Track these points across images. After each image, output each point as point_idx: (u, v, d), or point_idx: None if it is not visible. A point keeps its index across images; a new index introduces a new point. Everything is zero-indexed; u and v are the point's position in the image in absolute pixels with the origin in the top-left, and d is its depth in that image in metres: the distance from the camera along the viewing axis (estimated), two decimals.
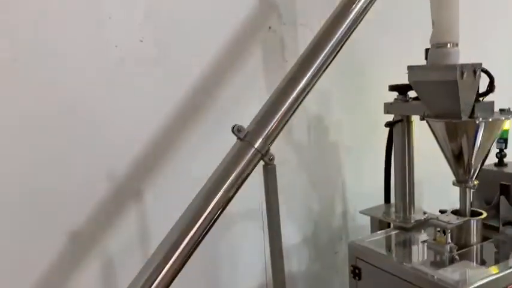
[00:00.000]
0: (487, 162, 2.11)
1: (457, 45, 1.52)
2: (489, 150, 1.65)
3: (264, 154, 1.22)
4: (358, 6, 1.36)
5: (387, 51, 2.26)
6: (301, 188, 2.16)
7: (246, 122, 1.94)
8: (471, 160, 1.63)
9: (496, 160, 2.08)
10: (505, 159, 2.09)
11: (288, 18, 2.02)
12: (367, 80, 2.25)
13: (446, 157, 1.68)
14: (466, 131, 1.58)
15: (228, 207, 1.22)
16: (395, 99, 1.83)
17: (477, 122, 1.52)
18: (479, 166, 1.66)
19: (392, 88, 1.81)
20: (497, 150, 2.07)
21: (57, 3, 1.55)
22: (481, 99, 1.60)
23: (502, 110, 1.63)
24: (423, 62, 1.64)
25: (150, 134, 1.76)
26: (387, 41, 2.26)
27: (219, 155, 1.95)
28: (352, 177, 2.30)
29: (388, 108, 1.84)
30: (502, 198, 1.75)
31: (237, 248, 2.01)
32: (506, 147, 2.06)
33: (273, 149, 2.02)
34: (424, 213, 1.90)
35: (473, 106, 1.54)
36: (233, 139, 2.06)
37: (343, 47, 1.40)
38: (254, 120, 1.29)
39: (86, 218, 1.67)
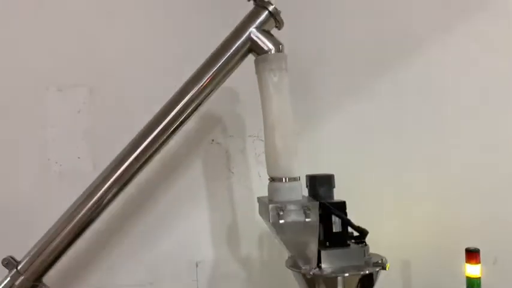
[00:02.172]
0: None
1: (294, 179, 1.29)
2: None
3: None
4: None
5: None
6: None
7: (182, 236, 1.94)
8: None
9: None
10: None
11: (234, 131, 2.01)
12: None
13: None
14: (321, 285, 1.30)
15: None
16: None
17: (308, 276, 1.24)
18: None
19: None
20: None
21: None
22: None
23: (375, 264, 1.29)
24: None
25: (86, 242, 1.91)
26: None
27: (153, 264, 2.02)
28: None
29: None
30: None
31: None
32: None
33: (216, 258, 1.97)
34: None
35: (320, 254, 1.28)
36: (168, 252, 2.08)
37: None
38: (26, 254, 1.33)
39: None
